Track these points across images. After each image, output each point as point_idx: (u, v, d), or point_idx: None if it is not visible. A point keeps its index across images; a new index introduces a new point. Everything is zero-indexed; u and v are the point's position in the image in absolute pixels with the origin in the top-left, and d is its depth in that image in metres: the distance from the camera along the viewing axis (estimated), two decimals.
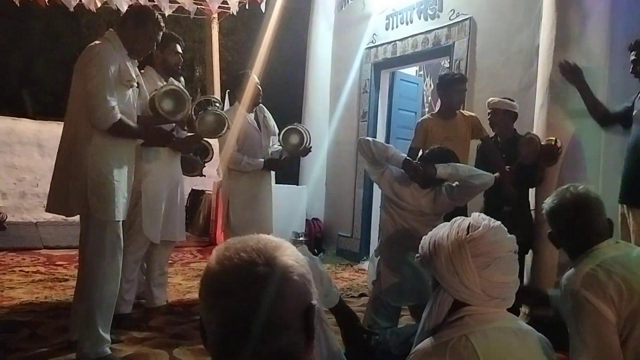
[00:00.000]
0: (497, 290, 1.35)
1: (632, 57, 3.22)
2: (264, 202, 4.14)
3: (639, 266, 1.71)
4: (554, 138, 3.65)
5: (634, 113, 3.25)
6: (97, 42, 2.82)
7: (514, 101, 3.96)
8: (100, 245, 2.76)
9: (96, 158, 2.74)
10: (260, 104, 4.14)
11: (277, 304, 0.86)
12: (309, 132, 4.19)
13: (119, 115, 2.73)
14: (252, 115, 4.08)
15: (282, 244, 0.92)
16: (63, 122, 2.94)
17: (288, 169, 4.89)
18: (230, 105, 4.17)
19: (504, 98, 3.96)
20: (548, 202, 1.88)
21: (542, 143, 3.65)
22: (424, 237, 1.52)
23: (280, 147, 4.16)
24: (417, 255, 1.53)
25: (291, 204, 6.62)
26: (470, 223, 1.41)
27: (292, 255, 0.90)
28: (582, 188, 1.85)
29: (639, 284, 1.65)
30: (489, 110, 3.98)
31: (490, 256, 1.35)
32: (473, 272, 1.33)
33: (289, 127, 4.14)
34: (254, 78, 4.07)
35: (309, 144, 4.16)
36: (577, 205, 1.81)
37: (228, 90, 4.41)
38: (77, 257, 3.04)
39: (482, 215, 1.46)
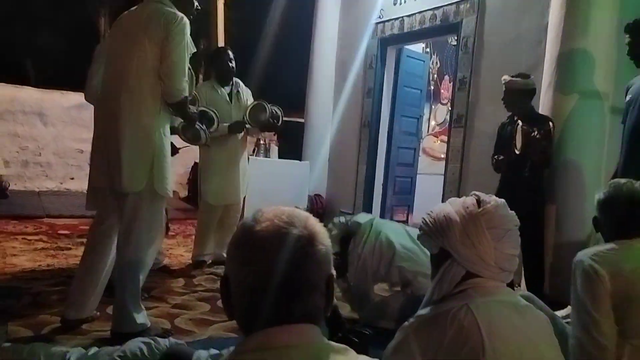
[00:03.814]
0: (508, 262, 1.40)
1: (627, 40, 3.17)
2: (232, 172, 4.27)
3: None
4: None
5: (627, 99, 3.22)
6: (164, 6, 2.66)
7: (529, 77, 3.70)
8: (156, 219, 2.75)
9: (161, 132, 2.70)
10: (236, 79, 4.37)
11: (311, 265, 0.92)
12: (279, 109, 4.36)
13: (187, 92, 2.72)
14: (227, 88, 4.29)
15: (310, 214, 0.98)
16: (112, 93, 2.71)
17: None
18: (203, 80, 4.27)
19: (517, 76, 3.70)
20: (603, 192, 2.02)
21: (534, 134, 3.41)
22: (425, 215, 1.53)
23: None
24: (420, 232, 1.54)
25: (294, 180, 6.63)
26: (477, 198, 1.45)
27: (319, 224, 0.97)
28: (638, 184, 1.98)
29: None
30: (503, 89, 3.74)
31: (503, 228, 1.40)
32: (489, 244, 1.37)
33: (256, 102, 4.29)
34: (228, 55, 4.27)
35: (278, 122, 4.35)
36: (631, 199, 1.94)
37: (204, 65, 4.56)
38: (88, 228, 2.90)
39: (481, 193, 1.49)
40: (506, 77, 3.73)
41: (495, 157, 3.83)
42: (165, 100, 2.68)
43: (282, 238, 0.90)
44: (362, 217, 3.30)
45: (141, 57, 2.64)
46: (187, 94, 2.71)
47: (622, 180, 2.05)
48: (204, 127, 3.66)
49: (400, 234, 3.17)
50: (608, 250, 1.89)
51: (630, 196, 1.94)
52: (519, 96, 3.68)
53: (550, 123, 3.55)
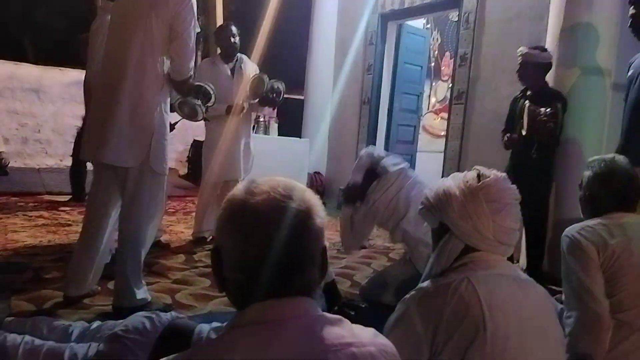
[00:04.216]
0: (507, 236, 1.41)
1: (631, 11, 3.12)
2: (232, 149, 4.25)
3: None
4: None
5: (629, 74, 3.20)
6: None
7: (546, 50, 3.60)
8: (156, 196, 2.74)
9: (162, 108, 2.71)
10: (241, 54, 4.36)
11: (310, 238, 0.92)
12: (281, 84, 4.25)
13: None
14: (231, 64, 4.29)
15: (305, 187, 0.97)
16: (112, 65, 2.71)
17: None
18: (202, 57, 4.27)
19: (535, 48, 3.60)
20: (594, 168, 2.07)
21: (541, 116, 3.38)
22: (426, 190, 1.56)
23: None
24: (421, 207, 1.56)
25: (293, 157, 6.63)
26: (478, 173, 1.46)
27: (314, 196, 0.96)
28: (617, 158, 2.03)
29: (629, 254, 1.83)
30: (518, 61, 3.64)
31: (501, 202, 1.40)
32: (487, 217, 1.38)
33: (256, 75, 4.23)
34: (230, 30, 4.26)
35: (278, 97, 4.24)
36: (607, 174, 1.99)
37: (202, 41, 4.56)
38: (88, 206, 2.86)
39: (482, 167, 1.49)
40: (523, 49, 3.64)
41: (506, 135, 3.77)
42: (174, 78, 2.70)
43: (281, 212, 0.89)
44: (392, 164, 3.10)
45: (147, 33, 2.63)
46: (191, 72, 2.76)
47: (607, 156, 2.10)
48: (199, 102, 3.64)
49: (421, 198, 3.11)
50: (595, 225, 1.92)
51: (626, 169, 1.98)
52: (535, 69, 3.60)
53: (559, 104, 3.48)
